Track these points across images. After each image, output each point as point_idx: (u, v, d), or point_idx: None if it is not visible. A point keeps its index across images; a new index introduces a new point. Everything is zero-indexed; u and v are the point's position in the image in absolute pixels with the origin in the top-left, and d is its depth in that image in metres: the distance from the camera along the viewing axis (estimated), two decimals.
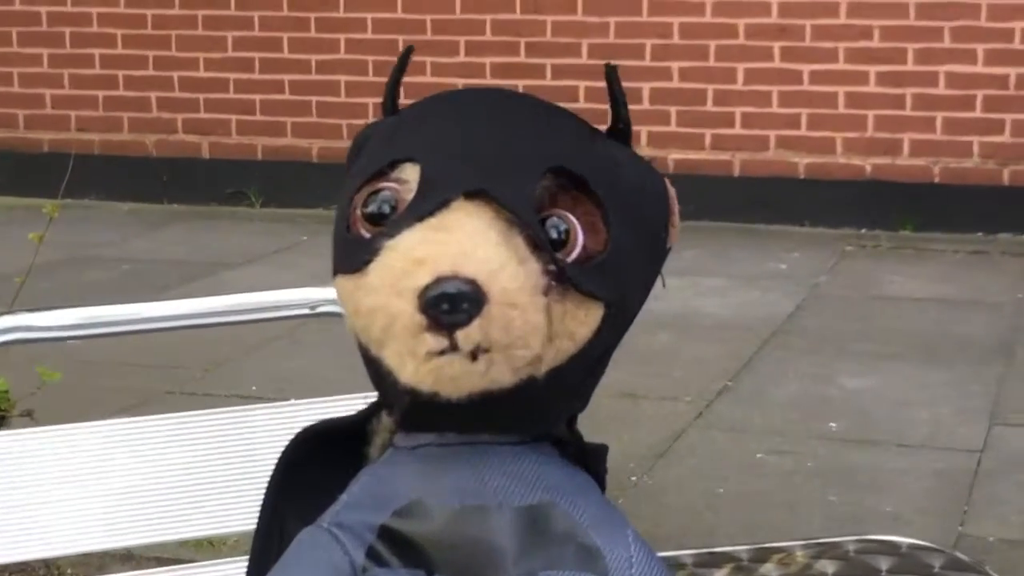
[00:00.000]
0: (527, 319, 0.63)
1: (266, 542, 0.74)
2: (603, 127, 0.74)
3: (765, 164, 5.85)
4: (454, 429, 0.68)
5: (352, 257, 0.66)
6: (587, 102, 5.49)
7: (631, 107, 0.80)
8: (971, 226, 5.64)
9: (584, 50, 5.96)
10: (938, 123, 5.64)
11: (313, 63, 6.27)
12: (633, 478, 3.26)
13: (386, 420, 0.70)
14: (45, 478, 1.42)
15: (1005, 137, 5.58)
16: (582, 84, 5.69)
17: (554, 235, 0.65)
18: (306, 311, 1.52)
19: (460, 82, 5.70)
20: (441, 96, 0.72)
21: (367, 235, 0.65)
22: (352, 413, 0.73)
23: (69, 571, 2.54)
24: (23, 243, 3.32)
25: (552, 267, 0.64)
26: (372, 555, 0.67)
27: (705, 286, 4.95)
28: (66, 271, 4.70)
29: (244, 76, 6.37)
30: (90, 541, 1.44)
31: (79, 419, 1.49)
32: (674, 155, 5.69)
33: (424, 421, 0.68)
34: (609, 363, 0.78)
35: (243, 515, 1.38)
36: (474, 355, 0.62)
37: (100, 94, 6.53)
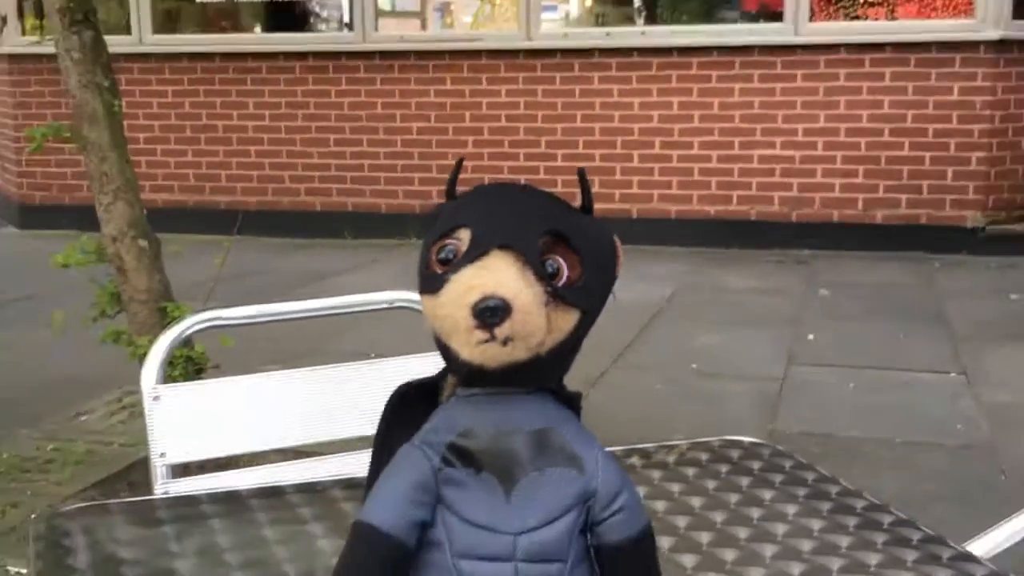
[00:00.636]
0: (536, 321, 0.66)
1: (379, 456, 0.75)
2: (576, 203, 0.76)
3: (651, 211, 6.42)
4: (492, 384, 0.70)
5: (431, 284, 0.68)
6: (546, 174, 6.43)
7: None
8: (773, 246, 6.19)
9: (559, 158, 6.54)
10: (753, 185, 6.28)
11: (381, 154, 6.84)
12: None
13: (451, 379, 0.73)
14: (228, 404, 1.43)
15: (793, 192, 6.23)
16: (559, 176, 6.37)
17: (550, 270, 0.68)
18: (385, 305, 1.57)
19: (488, 177, 5.84)
20: (481, 187, 0.73)
21: (440, 271, 0.67)
22: (428, 375, 0.74)
23: (242, 462, 2.05)
24: (210, 265, 3.46)
25: (549, 289, 0.67)
26: (444, 460, 0.69)
27: (618, 284, 5.27)
28: (234, 281, 4.65)
29: (341, 161, 6.93)
30: (260, 443, 1.47)
31: (246, 372, 1.50)
32: (598, 205, 5.64)
33: (474, 380, 0.70)
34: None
35: (363, 428, 1.40)
36: (505, 343, 0.65)
37: (255, 173, 7.08)
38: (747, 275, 5.67)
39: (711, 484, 1.16)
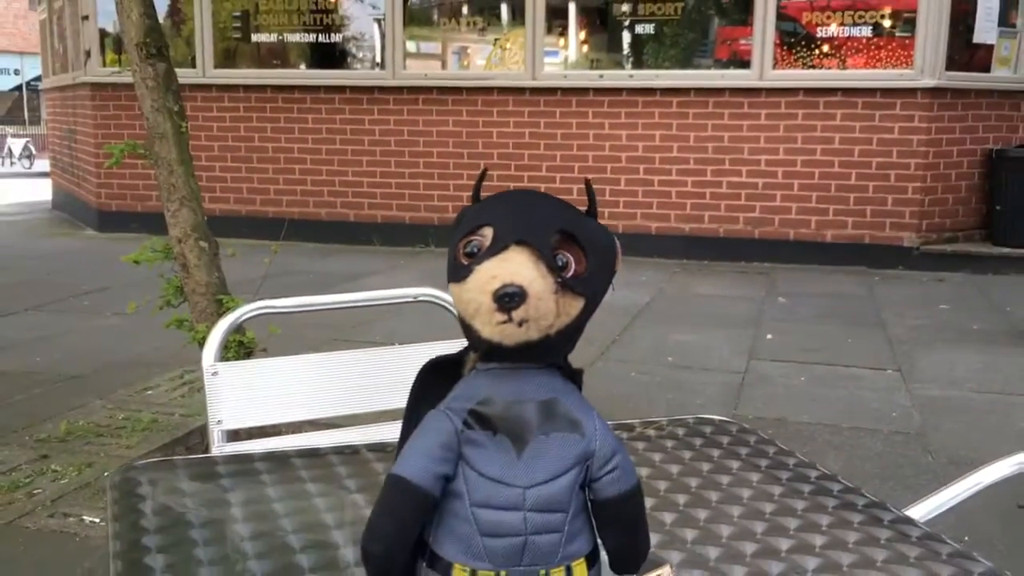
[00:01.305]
0: (547, 306, 0.64)
1: (409, 420, 0.73)
2: (583, 208, 0.72)
3: (635, 227, 6.41)
4: (508, 360, 0.68)
5: (458, 273, 0.66)
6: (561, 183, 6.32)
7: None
8: (738, 259, 6.22)
9: (558, 180, 6.44)
10: (722, 207, 6.27)
11: (406, 173, 6.86)
12: None
13: (472, 355, 0.71)
14: (275, 380, 1.42)
15: (756, 213, 6.18)
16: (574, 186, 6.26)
17: (560, 263, 0.66)
18: (410, 299, 1.54)
19: (510, 184, 6.15)
20: (503, 193, 0.71)
21: (466, 263, 0.66)
22: (453, 352, 0.72)
23: (283, 431, 1.88)
24: (259, 265, 3.49)
25: (559, 280, 0.65)
26: (466, 423, 0.68)
27: None
28: (280, 279, 4.76)
29: (372, 179, 6.91)
30: (303, 414, 1.46)
31: (290, 353, 1.48)
32: None
33: (493, 356, 0.68)
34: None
35: (389, 403, 1.40)
36: (520, 324, 0.64)
37: (298, 188, 7.11)
38: (716, 284, 5.64)
39: (687, 455, 1.15)
